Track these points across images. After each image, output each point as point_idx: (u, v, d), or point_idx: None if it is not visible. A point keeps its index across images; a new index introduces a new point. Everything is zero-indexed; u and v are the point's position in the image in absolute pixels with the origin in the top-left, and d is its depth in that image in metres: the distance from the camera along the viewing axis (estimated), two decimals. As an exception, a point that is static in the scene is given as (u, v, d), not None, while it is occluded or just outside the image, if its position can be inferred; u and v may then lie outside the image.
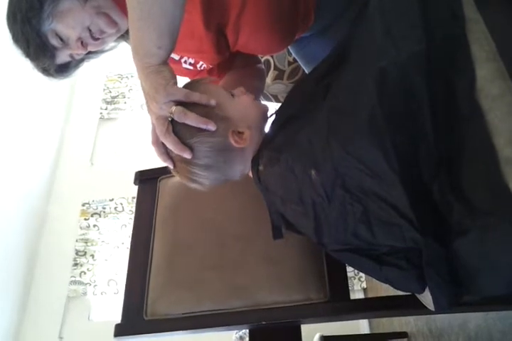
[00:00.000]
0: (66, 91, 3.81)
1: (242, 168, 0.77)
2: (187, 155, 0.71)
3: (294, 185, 0.65)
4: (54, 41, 0.91)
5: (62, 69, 0.99)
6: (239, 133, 0.74)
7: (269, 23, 0.92)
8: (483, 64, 0.55)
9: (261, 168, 0.73)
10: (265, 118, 0.80)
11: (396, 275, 0.60)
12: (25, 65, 0.95)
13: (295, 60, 1.45)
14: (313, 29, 1.03)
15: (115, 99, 3.81)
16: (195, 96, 0.71)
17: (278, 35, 0.96)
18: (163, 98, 0.69)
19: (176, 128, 0.71)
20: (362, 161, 0.55)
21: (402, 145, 0.54)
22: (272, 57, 1.49)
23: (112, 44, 1.02)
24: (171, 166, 0.75)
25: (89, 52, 0.98)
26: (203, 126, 0.70)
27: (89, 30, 0.91)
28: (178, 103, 0.70)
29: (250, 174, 0.77)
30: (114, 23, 0.92)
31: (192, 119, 0.70)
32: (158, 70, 0.70)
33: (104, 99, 3.81)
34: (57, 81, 1.02)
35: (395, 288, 0.63)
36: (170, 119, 0.70)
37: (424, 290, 0.60)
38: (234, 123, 0.74)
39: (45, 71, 0.97)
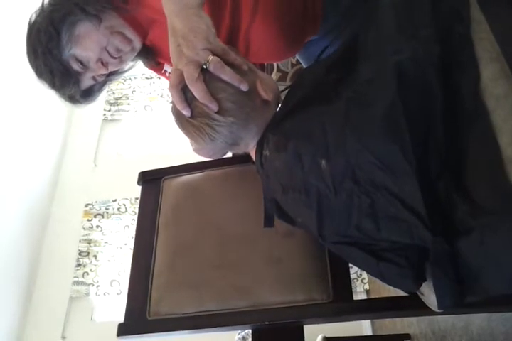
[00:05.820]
0: (70, 92, 3.82)
1: (253, 136, 0.75)
2: (214, 107, 0.69)
3: (300, 172, 0.64)
4: (75, 66, 0.94)
5: (88, 94, 1.03)
6: None
7: (280, 30, 0.93)
8: (487, 64, 0.55)
9: (266, 152, 0.72)
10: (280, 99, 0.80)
11: (393, 272, 0.60)
12: (27, 67, 0.97)
13: (298, 62, 1.45)
14: (318, 32, 1.04)
15: (118, 101, 3.82)
16: (232, 56, 0.71)
17: (289, 41, 0.97)
18: (202, 44, 0.67)
19: (205, 78, 0.68)
20: (376, 155, 0.55)
21: (415, 140, 0.54)
22: (275, 59, 1.49)
23: (131, 64, 1.06)
24: (188, 114, 0.72)
25: (110, 74, 1.02)
26: (236, 84, 0.69)
27: (107, 51, 0.94)
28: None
29: (252, 154, 0.77)
30: (128, 40, 0.95)
31: (228, 74, 0.69)
32: (199, 14, 0.69)
33: (107, 101, 3.82)
34: (83, 106, 1.05)
35: (386, 283, 0.62)
36: (205, 67, 0.68)
37: (417, 290, 0.60)
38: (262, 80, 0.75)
39: (72, 98, 1.01)
